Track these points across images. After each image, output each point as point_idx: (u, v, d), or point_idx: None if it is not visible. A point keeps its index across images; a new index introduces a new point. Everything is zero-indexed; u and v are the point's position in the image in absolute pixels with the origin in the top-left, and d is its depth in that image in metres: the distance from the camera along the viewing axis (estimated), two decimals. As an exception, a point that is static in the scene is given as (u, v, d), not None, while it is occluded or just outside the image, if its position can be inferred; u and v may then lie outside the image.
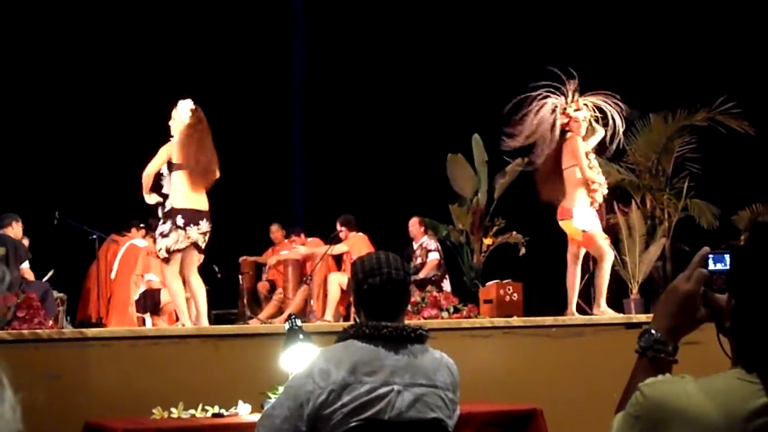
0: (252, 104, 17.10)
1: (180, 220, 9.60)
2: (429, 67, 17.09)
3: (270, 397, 5.52)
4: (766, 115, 15.12)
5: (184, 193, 9.69)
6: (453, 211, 15.95)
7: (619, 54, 15.78)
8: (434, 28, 17.34)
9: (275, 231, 15.13)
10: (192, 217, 9.66)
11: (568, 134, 11.04)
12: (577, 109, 11.10)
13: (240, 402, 6.29)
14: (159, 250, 9.75)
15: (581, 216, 10.87)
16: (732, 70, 15.52)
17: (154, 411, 6.20)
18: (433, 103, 16.81)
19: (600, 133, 11.23)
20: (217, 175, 9.91)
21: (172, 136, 9.91)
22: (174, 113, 9.95)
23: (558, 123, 11.13)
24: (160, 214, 9.82)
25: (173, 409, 6.21)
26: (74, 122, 15.61)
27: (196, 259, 9.99)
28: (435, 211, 15.61)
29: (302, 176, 18.42)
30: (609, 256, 11.10)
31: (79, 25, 16.01)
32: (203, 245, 9.86)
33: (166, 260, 9.73)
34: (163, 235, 9.66)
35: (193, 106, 9.93)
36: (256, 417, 4.99)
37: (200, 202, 9.75)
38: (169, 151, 9.78)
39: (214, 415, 6.15)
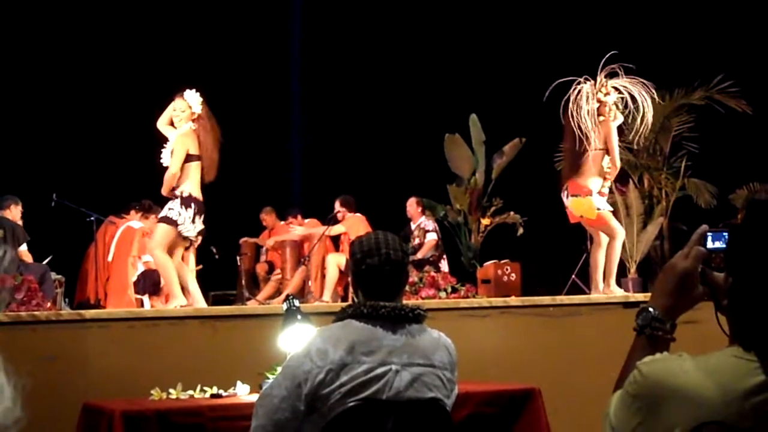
0: (249, 85, 17.11)
1: (196, 208, 9.60)
2: (426, 47, 17.09)
3: (268, 378, 5.52)
4: (763, 94, 15.14)
5: (197, 183, 9.68)
6: (451, 192, 15.95)
7: (617, 33, 15.75)
8: (432, 7, 17.31)
9: (265, 216, 15.08)
10: (201, 209, 9.66)
11: (601, 119, 10.84)
12: (607, 94, 10.94)
13: (238, 382, 6.29)
14: (189, 232, 9.67)
15: (597, 196, 10.81)
16: (730, 48, 15.52)
17: (152, 392, 6.20)
18: (431, 83, 16.81)
19: (620, 119, 11.09)
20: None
21: (175, 127, 9.83)
22: (180, 104, 9.80)
23: (591, 108, 10.93)
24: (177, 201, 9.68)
25: (172, 390, 6.22)
26: (72, 104, 15.62)
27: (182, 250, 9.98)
28: (433, 191, 15.62)
29: (300, 157, 18.41)
30: (621, 234, 11.02)
31: (76, 10, 15.99)
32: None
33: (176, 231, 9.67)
34: (181, 211, 9.60)
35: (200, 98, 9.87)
36: (254, 397, 5.00)
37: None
38: (186, 143, 9.66)
39: (213, 396, 6.16)
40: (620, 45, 14.94)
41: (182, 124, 9.76)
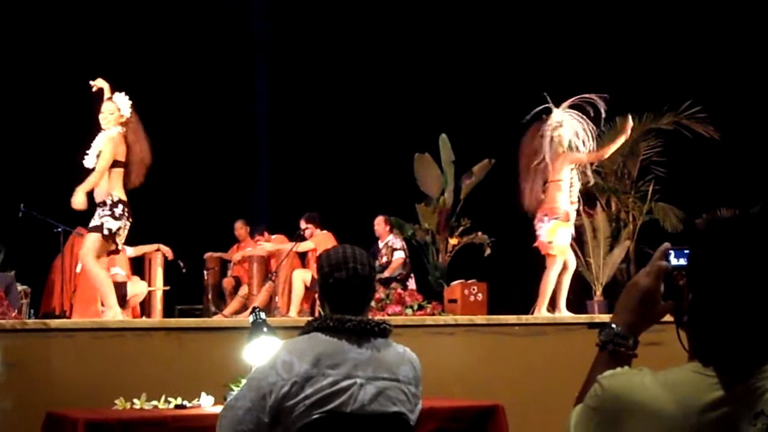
0: (216, 99, 17.04)
1: (124, 210, 9.48)
2: (397, 66, 17.11)
3: (233, 390, 5.53)
4: (731, 120, 15.25)
5: (121, 186, 9.57)
6: (419, 211, 15.99)
7: (587, 57, 15.84)
8: (402, 27, 17.35)
9: (240, 228, 15.07)
10: (127, 209, 9.54)
11: (560, 149, 11.04)
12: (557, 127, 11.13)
13: (203, 394, 6.30)
14: (108, 230, 9.51)
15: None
16: (699, 74, 15.63)
17: (116, 402, 6.21)
18: (401, 102, 16.83)
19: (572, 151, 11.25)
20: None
21: (102, 130, 9.65)
22: (109, 106, 9.65)
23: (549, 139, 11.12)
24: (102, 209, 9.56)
25: (136, 400, 6.22)
26: (40, 115, 15.54)
27: None
28: (401, 210, 15.64)
29: (268, 173, 18.37)
30: (573, 266, 11.17)
31: (43, 24, 15.96)
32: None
33: (109, 240, 9.54)
34: (115, 218, 9.45)
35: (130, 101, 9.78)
36: (218, 409, 5.00)
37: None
38: (116, 147, 9.49)
39: (177, 407, 6.16)
40: (591, 68, 15.06)
41: (110, 126, 9.60)
